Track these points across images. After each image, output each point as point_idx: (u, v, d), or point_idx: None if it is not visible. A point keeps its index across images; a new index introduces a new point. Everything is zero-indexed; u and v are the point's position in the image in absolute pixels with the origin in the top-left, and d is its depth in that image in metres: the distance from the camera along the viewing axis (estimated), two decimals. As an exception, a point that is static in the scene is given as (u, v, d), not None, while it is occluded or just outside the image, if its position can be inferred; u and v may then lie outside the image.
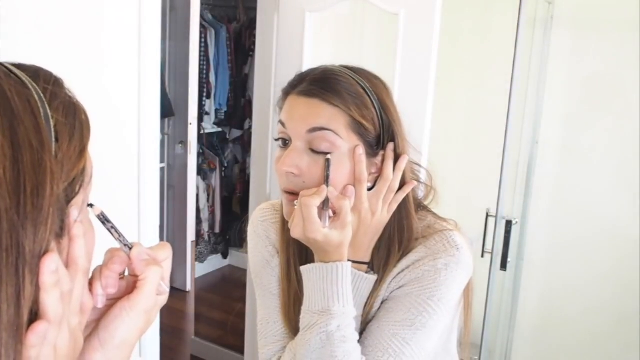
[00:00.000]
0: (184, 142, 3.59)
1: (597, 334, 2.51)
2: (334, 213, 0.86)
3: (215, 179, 3.90)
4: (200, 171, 3.81)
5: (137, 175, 1.79)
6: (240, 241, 4.01)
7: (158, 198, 1.90)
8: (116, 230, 0.55)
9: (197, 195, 3.80)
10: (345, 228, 0.85)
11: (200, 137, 3.71)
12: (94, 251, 0.52)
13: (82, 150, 0.47)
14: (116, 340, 0.51)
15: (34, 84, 0.45)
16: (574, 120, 2.51)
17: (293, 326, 0.96)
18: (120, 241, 0.54)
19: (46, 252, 0.42)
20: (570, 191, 2.53)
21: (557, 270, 2.62)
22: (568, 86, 2.49)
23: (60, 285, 0.44)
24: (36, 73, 0.47)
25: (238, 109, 3.81)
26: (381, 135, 0.90)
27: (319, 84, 0.87)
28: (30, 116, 0.43)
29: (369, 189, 0.91)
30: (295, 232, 0.85)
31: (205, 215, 3.90)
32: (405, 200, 0.94)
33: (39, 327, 0.42)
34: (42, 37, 1.48)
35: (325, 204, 0.85)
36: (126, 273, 0.56)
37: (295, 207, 0.86)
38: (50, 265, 0.42)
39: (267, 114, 2.25)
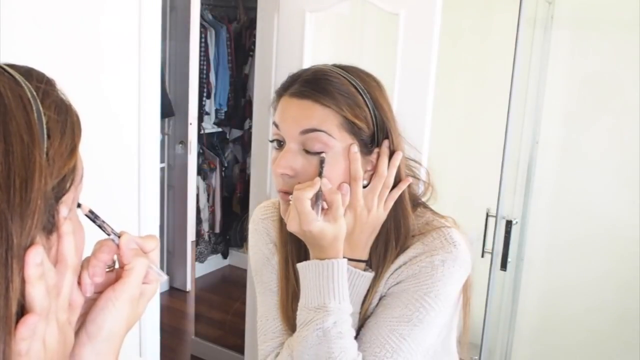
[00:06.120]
0: (184, 142, 3.59)
1: (597, 333, 2.50)
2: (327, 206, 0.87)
3: (215, 179, 3.90)
4: (200, 171, 3.81)
5: (137, 175, 1.79)
6: (240, 241, 4.01)
7: (158, 198, 1.90)
8: (107, 225, 0.55)
9: (197, 195, 3.80)
10: (337, 221, 0.85)
11: (200, 137, 3.72)
12: (84, 249, 0.52)
13: (74, 149, 0.48)
14: (104, 332, 0.51)
15: (26, 82, 0.46)
16: (574, 120, 2.51)
17: (291, 323, 0.96)
18: (110, 233, 0.55)
19: (31, 245, 0.43)
20: (571, 191, 2.53)
21: (557, 270, 2.62)
22: (568, 86, 2.49)
23: (45, 279, 0.44)
24: (28, 72, 0.48)
25: (238, 109, 3.81)
26: (375, 133, 0.91)
27: (311, 84, 0.88)
28: (22, 112, 0.44)
29: (365, 187, 0.91)
30: (291, 226, 0.86)
31: (205, 215, 3.90)
32: (401, 197, 0.94)
33: (29, 319, 0.43)
34: (42, 37, 1.48)
35: (318, 196, 0.85)
36: (116, 266, 0.56)
37: (290, 202, 0.86)
38: (35, 257, 0.43)
39: (267, 114, 2.25)
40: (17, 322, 0.42)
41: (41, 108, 0.46)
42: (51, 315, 0.45)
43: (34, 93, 0.46)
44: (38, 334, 0.44)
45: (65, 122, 0.48)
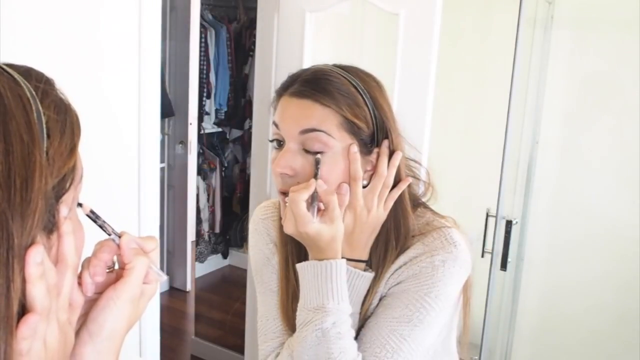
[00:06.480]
0: (184, 142, 3.59)
1: (597, 333, 2.50)
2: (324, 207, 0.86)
3: (215, 179, 3.90)
4: (200, 171, 3.81)
5: (137, 175, 1.79)
6: (240, 241, 4.01)
7: (158, 198, 1.90)
8: (107, 225, 0.55)
9: (197, 195, 3.81)
10: (334, 222, 0.85)
11: (200, 137, 3.72)
12: (84, 249, 0.52)
13: (73, 148, 0.48)
14: (105, 332, 0.52)
15: (25, 82, 0.46)
16: (574, 120, 2.51)
17: (291, 323, 0.96)
18: (111, 233, 0.55)
19: (32, 244, 0.43)
20: (571, 191, 2.53)
21: (557, 270, 2.61)
22: (568, 86, 2.49)
23: (46, 278, 0.44)
24: (27, 72, 0.48)
25: (238, 109, 3.81)
26: (375, 133, 0.91)
27: (310, 84, 0.88)
28: (22, 112, 0.44)
29: (365, 187, 0.91)
30: (288, 228, 0.86)
31: (205, 215, 3.90)
32: (400, 197, 0.94)
33: (30, 318, 0.43)
34: (42, 37, 1.48)
35: (313, 198, 0.85)
36: (116, 266, 0.56)
37: (287, 204, 0.86)
38: (35, 257, 0.43)
39: (267, 114, 2.25)
40: (18, 321, 0.43)
41: (41, 108, 0.46)
42: (52, 314, 0.45)
43: (33, 93, 0.46)
44: (39, 333, 0.44)
45: (64, 121, 0.48)
